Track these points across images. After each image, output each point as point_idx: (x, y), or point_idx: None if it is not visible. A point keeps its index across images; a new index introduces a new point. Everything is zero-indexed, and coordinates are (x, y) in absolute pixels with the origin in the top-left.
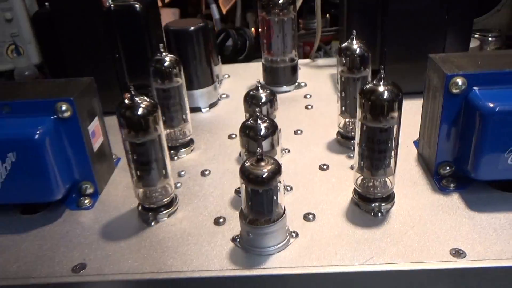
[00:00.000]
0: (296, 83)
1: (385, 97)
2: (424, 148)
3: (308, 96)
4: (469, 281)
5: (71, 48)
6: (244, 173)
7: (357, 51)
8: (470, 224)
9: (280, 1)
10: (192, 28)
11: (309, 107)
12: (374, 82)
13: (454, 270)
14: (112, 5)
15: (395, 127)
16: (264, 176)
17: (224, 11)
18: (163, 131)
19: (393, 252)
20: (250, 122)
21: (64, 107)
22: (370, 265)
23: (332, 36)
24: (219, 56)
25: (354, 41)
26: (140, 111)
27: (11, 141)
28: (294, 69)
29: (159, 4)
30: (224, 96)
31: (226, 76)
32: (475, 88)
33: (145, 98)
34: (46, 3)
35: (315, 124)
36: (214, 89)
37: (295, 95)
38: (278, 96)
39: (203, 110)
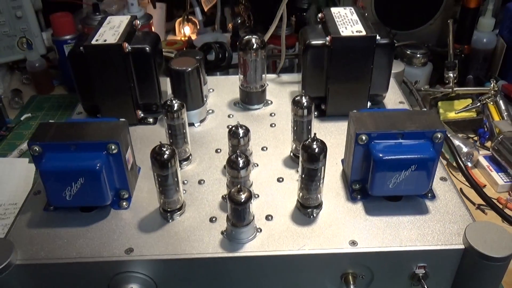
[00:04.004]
0: (264, 101)
1: (315, 151)
2: (345, 168)
3: (273, 115)
4: (360, 261)
5: (99, 78)
6: (230, 198)
7: (305, 104)
8: (364, 224)
9: (254, 47)
10: (189, 69)
11: (273, 125)
12: (309, 140)
13: (350, 254)
14: (129, 48)
15: (322, 167)
16: (242, 201)
17: (205, 9)
18: (178, 166)
19: (317, 241)
20: (233, 158)
21: (113, 147)
22: (303, 250)
23: (296, 38)
24: (205, 75)
25: (303, 97)
26: (165, 157)
27: (81, 170)
28: (263, 92)
29: None
30: (210, 111)
31: (211, 90)
32: (374, 141)
33: (169, 146)
34: (81, 48)
35: (277, 142)
36: (204, 108)
37: (263, 113)
38: (250, 112)
39: (195, 125)
